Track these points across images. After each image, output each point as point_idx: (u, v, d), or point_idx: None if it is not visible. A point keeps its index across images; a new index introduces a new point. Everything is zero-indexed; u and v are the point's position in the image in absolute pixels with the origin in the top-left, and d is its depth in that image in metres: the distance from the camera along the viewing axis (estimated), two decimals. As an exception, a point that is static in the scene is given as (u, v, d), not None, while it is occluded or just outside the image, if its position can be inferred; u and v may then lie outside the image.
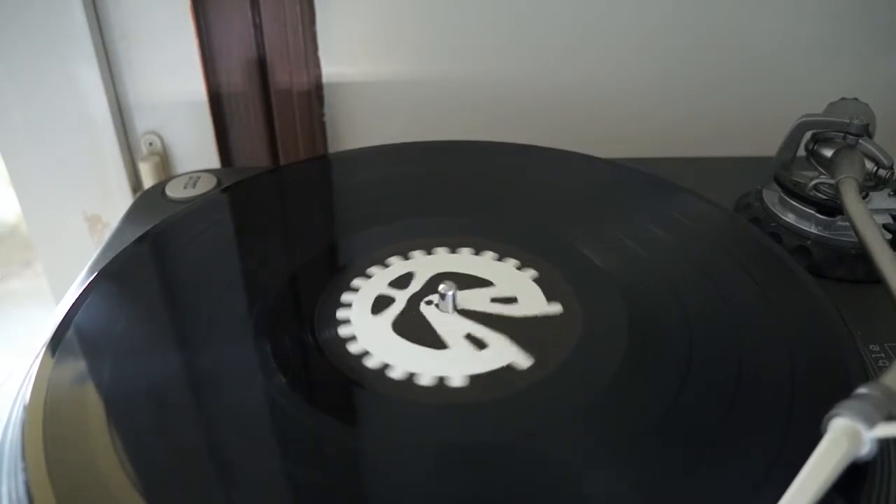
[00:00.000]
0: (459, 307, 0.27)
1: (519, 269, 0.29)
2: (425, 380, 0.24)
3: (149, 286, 0.29)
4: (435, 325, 0.26)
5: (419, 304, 0.27)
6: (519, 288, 0.28)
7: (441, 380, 0.24)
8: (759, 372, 0.23)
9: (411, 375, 0.24)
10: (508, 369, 0.24)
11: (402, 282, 0.28)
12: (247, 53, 0.47)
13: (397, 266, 0.29)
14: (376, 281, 0.29)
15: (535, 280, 0.28)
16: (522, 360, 0.24)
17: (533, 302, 0.27)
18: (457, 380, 0.24)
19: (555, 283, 0.28)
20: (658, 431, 0.21)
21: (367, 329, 0.26)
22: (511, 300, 0.27)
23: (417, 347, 0.25)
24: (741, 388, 0.23)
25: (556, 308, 0.27)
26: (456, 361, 0.24)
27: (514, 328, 0.26)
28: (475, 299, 0.27)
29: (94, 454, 0.21)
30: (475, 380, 0.24)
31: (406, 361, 0.25)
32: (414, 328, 0.26)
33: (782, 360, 0.23)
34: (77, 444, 0.21)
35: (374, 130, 0.51)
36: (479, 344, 0.25)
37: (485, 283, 0.28)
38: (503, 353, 0.25)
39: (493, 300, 0.27)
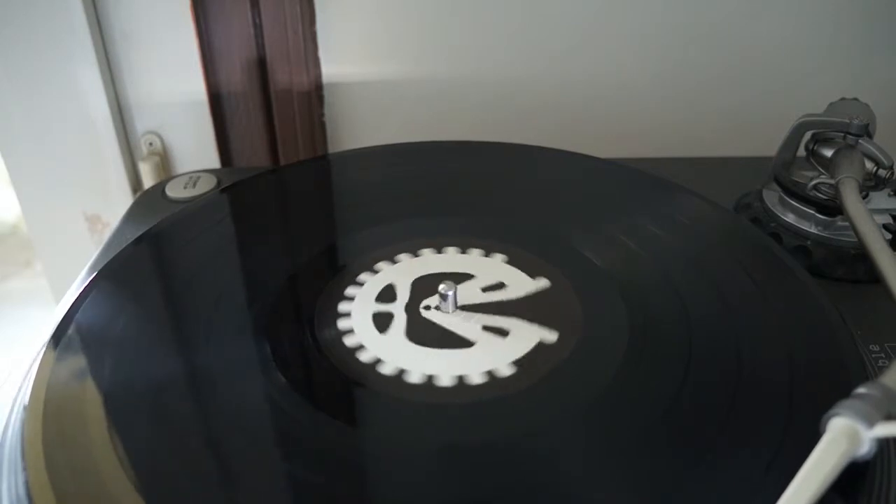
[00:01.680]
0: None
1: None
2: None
3: (149, 286, 0.29)
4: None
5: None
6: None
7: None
8: (758, 372, 0.23)
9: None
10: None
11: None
12: (247, 53, 0.47)
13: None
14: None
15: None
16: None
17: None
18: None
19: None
20: (657, 431, 0.21)
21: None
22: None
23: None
24: (741, 388, 0.23)
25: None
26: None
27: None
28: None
29: (93, 454, 0.21)
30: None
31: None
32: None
33: (782, 360, 0.23)
34: (77, 444, 0.21)
35: (374, 130, 0.51)
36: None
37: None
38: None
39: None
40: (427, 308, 0.27)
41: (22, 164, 0.50)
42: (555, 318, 0.26)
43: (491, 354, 0.25)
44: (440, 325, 0.26)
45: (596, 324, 0.26)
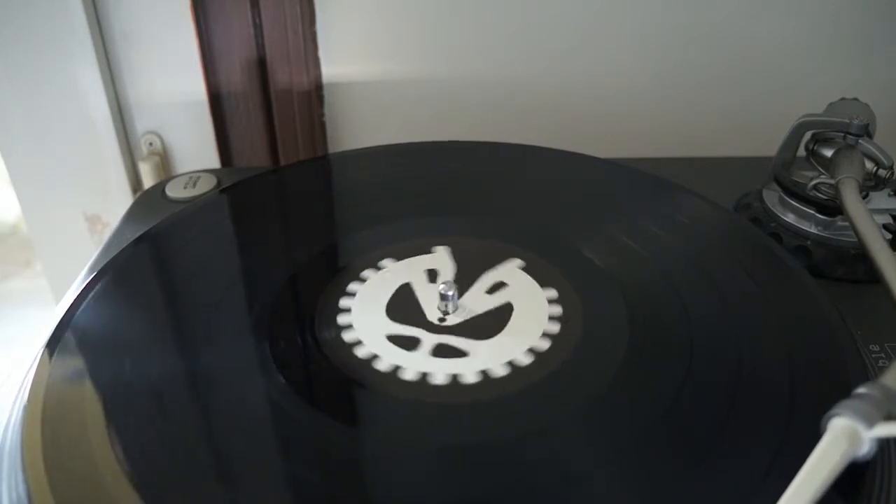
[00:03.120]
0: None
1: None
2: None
3: (148, 286, 0.29)
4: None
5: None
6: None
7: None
8: (758, 372, 0.23)
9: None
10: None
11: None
12: (247, 53, 0.47)
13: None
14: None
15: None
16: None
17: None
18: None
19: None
20: (658, 431, 0.21)
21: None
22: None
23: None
24: (741, 388, 0.23)
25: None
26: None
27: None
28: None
29: (93, 454, 0.21)
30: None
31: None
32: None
33: (782, 360, 0.23)
34: (76, 445, 0.21)
35: (374, 130, 0.51)
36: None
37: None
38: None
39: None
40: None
41: (22, 164, 0.50)
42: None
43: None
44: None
45: (596, 324, 0.26)
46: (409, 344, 0.25)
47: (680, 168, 0.39)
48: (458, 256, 0.30)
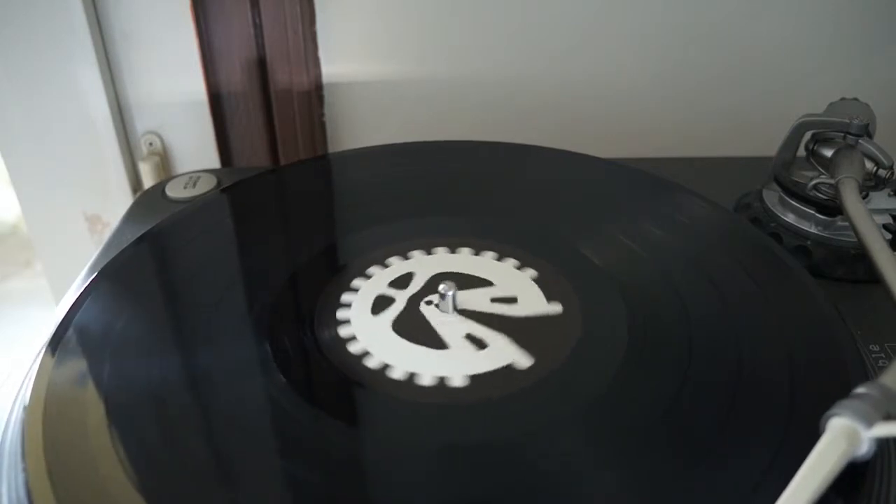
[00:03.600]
0: (460, 307, 0.27)
1: (519, 268, 0.29)
2: (426, 380, 0.24)
3: (149, 286, 0.29)
4: (435, 325, 0.26)
5: (419, 305, 0.27)
6: (519, 288, 0.28)
7: (441, 379, 0.24)
8: (758, 372, 0.23)
9: (412, 375, 0.24)
10: (508, 369, 0.24)
11: (401, 282, 0.28)
12: (247, 53, 0.47)
13: (397, 266, 0.29)
14: (376, 281, 0.29)
15: (535, 280, 0.28)
16: (522, 360, 0.24)
17: (533, 301, 0.27)
18: (457, 379, 0.24)
19: (555, 282, 0.28)
20: (657, 431, 0.21)
21: (366, 329, 0.26)
22: (511, 300, 0.27)
23: (418, 347, 0.25)
24: (741, 388, 0.23)
25: (556, 308, 0.27)
26: (456, 361, 0.24)
27: (514, 328, 0.26)
28: (475, 299, 0.27)
29: (93, 454, 0.21)
30: (476, 379, 0.24)
31: (406, 361, 0.25)
32: (414, 328, 0.26)
33: (782, 360, 0.23)
34: (77, 445, 0.21)
35: (374, 130, 0.51)
36: (480, 343, 0.25)
37: (485, 282, 0.28)
38: (503, 352, 0.25)
39: (494, 300, 0.27)
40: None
41: (22, 164, 0.50)
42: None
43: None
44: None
45: (596, 324, 0.26)
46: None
47: (680, 168, 0.39)
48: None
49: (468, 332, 0.26)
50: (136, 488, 0.19)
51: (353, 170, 0.38)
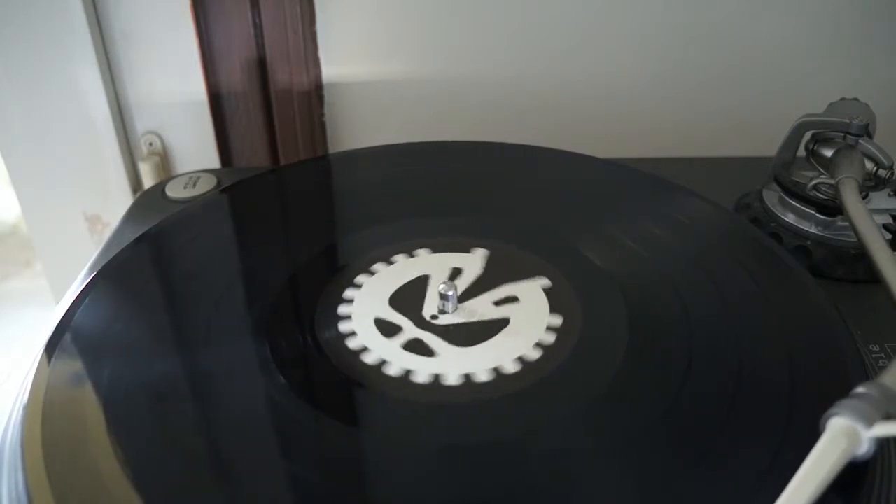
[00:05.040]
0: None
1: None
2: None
3: (148, 286, 0.29)
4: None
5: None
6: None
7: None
8: (758, 372, 0.23)
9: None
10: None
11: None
12: (247, 53, 0.47)
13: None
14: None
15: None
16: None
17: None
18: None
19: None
20: (657, 431, 0.21)
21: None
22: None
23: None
24: (741, 388, 0.23)
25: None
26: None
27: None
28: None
29: (93, 454, 0.21)
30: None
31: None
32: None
33: (782, 360, 0.23)
34: (76, 445, 0.21)
35: (374, 130, 0.51)
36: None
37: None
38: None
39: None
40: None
41: (22, 164, 0.50)
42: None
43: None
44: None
45: (596, 324, 0.26)
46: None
47: (680, 168, 0.39)
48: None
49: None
50: (135, 487, 0.19)
51: (353, 170, 0.38)
